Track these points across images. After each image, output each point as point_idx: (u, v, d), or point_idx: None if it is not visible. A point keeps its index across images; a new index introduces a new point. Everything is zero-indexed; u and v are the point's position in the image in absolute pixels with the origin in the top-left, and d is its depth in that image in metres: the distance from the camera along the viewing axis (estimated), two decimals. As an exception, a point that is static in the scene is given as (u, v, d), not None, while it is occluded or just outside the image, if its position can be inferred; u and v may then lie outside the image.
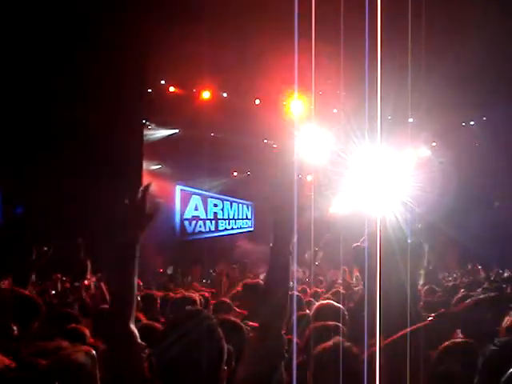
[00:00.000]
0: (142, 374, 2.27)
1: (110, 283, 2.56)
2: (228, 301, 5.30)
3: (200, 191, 20.93)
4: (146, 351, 2.32)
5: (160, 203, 2.59)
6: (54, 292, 6.84)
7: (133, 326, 2.37)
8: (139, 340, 2.35)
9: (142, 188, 2.56)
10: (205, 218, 21.13)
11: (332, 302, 4.29)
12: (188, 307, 2.41)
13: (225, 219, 21.99)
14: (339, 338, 2.65)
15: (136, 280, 2.42)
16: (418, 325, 2.39)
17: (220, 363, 2.01)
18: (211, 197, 21.43)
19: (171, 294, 6.17)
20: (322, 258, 15.72)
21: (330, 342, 2.65)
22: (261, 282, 5.24)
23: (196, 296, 5.27)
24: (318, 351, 2.70)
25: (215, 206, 21.61)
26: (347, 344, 2.65)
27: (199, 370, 1.93)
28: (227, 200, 22.09)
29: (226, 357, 2.03)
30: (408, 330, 2.38)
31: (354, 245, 3.75)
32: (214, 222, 21.49)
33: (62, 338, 3.04)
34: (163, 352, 1.99)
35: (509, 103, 16.20)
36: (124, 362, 2.30)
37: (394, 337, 2.40)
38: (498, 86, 15.45)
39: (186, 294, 5.48)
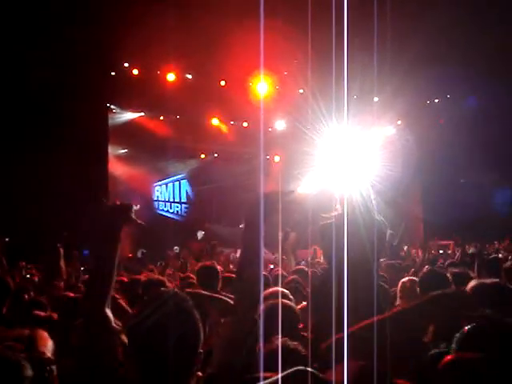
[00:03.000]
0: (117, 357, 2.25)
1: (91, 264, 2.55)
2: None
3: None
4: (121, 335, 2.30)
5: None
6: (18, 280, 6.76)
7: (108, 310, 2.34)
8: (114, 324, 2.33)
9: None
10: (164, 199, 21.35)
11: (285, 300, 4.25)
12: (163, 288, 2.38)
13: (164, 201, 21.65)
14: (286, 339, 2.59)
15: (116, 263, 2.40)
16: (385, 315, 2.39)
17: (196, 347, 1.95)
18: (160, 184, 21.40)
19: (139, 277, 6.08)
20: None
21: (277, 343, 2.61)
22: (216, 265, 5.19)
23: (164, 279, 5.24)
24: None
25: (157, 191, 21.50)
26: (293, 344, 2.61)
27: (175, 354, 1.87)
28: (164, 184, 21.67)
29: (202, 339, 1.98)
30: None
31: (321, 223, 3.76)
32: (157, 203, 21.36)
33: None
34: (137, 335, 1.94)
35: (472, 81, 16.44)
36: (99, 346, 2.27)
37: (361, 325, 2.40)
38: (462, 65, 15.65)
39: (155, 276, 5.44)
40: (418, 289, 4.16)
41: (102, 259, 2.41)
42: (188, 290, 3.97)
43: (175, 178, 21.48)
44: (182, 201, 21.90)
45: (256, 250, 2.28)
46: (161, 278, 5.05)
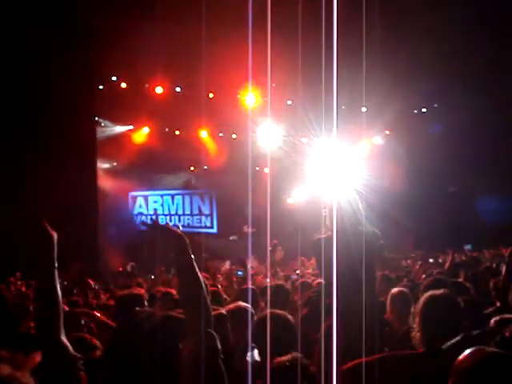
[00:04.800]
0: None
1: (36, 294, 2.44)
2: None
3: (146, 192, 20.67)
4: (81, 362, 2.24)
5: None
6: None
7: (64, 338, 2.26)
8: (72, 351, 2.25)
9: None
10: (146, 214, 20.60)
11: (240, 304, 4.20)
12: (137, 309, 2.33)
13: (165, 215, 20.73)
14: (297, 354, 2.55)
15: (59, 289, 2.31)
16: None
17: (173, 367, 1.95)
18: (153, 194, 20.83)
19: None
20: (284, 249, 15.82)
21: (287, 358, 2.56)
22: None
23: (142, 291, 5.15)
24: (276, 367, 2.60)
25: (155, 202, 20.88)
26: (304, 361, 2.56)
27: (154, 377, 1.85)
28: (168, 194, 20.94)
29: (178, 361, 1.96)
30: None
31: (315, 238, 3.74)
32: (154, 217, 20.95)
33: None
34: (111, 361, 1.90)
35: (459, 90, 16.57)
36: (58, 373, 2.19)
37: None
38: (449, 74, 15.78)
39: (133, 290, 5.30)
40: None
41: (44, 287, 2.32)
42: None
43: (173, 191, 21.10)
44: (194, 213, 21.13)
45: (188, 263, 2.26)
46: (139, 293, 4.92)
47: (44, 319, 2.28)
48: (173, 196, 20.92)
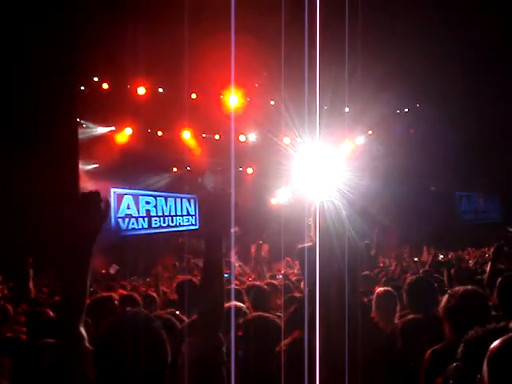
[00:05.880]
0: (87, 378, 2.19)
1: (62, 283, 2.44)
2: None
3: (132, 191, 20.52)
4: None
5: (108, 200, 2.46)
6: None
7: (82, 329, 2.27)
8: (87, 343, 2.26)
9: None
10: (137, 215, 20.45)
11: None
12: (129, 308, 2.33)
13: (159, 216, 21.10)
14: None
15: (89, 280, 2.31)
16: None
17: (164, 367, 1.93)
18: (144, 194, 20.74)
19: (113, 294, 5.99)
20: (269, 250, 15.85)
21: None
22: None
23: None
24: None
25: (147, 203, 20.81)
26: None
27: (143, 377, 1.84)
28: (161, 196, 21.29)
29: (169, 360, 1.95)
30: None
31: (300, 246, 3.77)
32: (146, 219, 20.78)
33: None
34: (103, 359, 1.90)
35: (441, 90, 16.72)
36: (71, 365, 2.22)
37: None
38: (431, 75, 15.93)
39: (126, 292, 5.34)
40: (405, 296, 4.16)
41: (74, 276, 2.33)
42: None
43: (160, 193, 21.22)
44: (184, 214, 22.03)
45: (218, 264, 2.25)
46: (108, 294, 4.90)
47: (70, 308, 2.28)
48: (166, 198, 21.43)
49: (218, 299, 2.21)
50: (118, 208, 19.98)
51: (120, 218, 20.02)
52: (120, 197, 20.04)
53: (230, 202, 2.31)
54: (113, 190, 19.42)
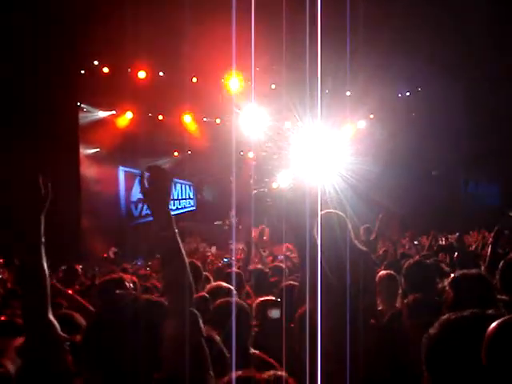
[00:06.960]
0: (66, 367, 2.14)
1: (20, 272, 2.34)
2: None
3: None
4: (68, 343, 2.18)
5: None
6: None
7: (51, 317, 2.18)
8: (60, 331, 2.18)
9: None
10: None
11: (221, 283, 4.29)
12: (119, 291, 2.27)
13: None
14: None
15: (45, 266, 2.20)
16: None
17: (156, 351, 1.89)
18: None
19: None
20: (270, 233, 15.88)
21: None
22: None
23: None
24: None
25: None
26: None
27: (135, 361, 1.80)
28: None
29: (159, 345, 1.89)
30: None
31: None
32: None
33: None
34: (94, 343, 1.86)
35: (442, 73, 16.60)
36: (45, 356, 2.12)
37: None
38: (432, 58, 15.82)
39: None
40: (403, 280, 4.15)
41: (31, 263, 2.23)
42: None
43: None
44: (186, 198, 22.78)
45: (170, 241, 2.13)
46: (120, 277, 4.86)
47: (31, 297, 2.17)
48: (175, 183, 21.68)
49: (180, 276, 2.07)
50: (130, 191, 19.70)
51: (133, 202, 19.78)
52: (131, 178, 19.61)
53: (168, 179, 2.25)
54: (122, 168, 19.23)
